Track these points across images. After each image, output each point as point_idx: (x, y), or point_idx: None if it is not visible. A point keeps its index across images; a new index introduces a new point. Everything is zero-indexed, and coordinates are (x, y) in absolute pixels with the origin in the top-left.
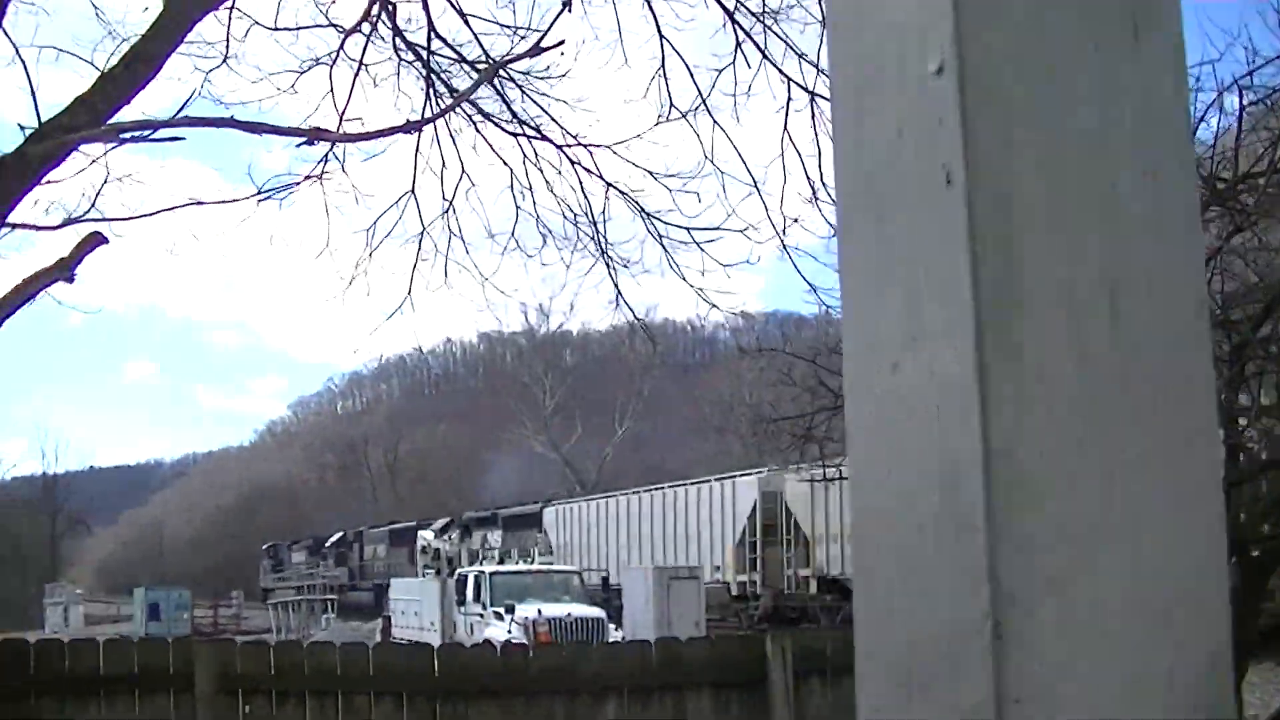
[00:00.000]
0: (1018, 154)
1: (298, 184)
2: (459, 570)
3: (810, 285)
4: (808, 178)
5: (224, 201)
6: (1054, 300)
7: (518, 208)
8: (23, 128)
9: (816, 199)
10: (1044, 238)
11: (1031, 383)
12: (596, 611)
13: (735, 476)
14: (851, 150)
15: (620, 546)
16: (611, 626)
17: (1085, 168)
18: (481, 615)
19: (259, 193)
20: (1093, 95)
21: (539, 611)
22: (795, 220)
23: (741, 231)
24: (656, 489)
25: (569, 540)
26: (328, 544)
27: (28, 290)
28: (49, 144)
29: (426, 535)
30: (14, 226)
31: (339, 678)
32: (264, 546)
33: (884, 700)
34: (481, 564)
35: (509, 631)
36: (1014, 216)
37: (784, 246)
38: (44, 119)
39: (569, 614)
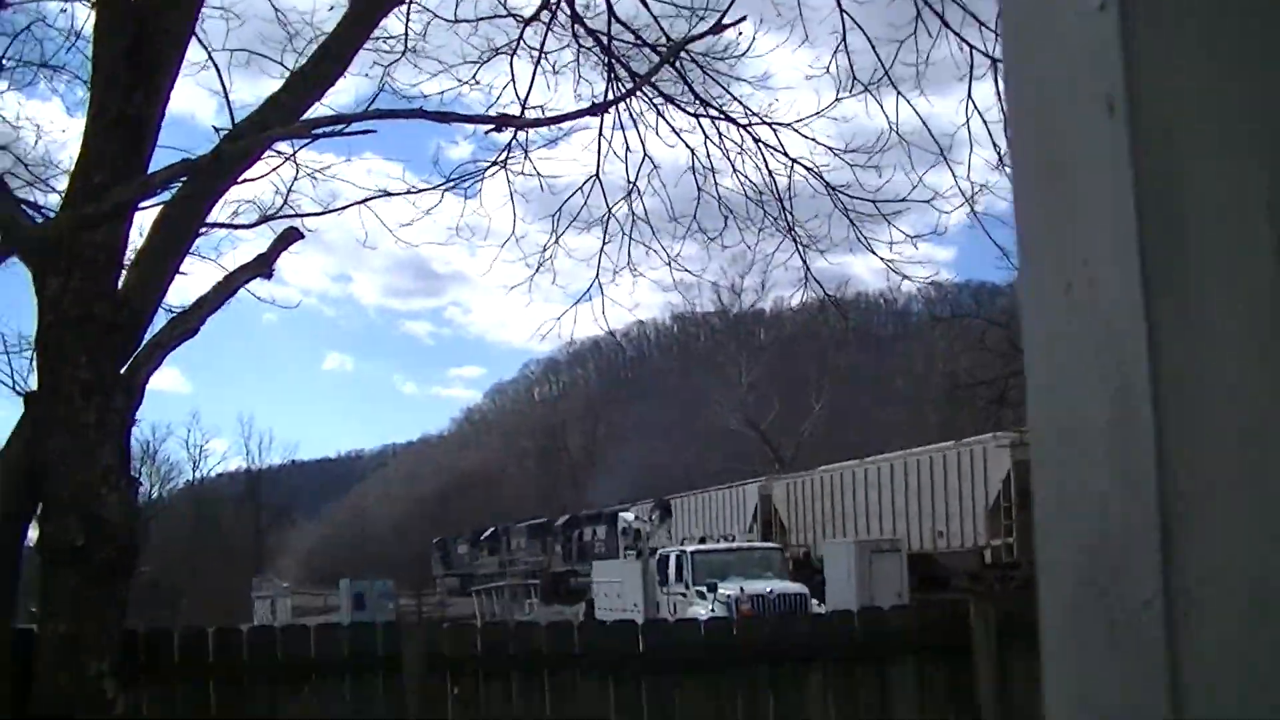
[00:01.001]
0: (1179, 82)
1: (484, 171)
2: (660, 550)
3: (1002, 251)
4: (994, 144)
5: (412, 191)
6: (1217, 224)
7: (700, 189)
8: (217, 130)
9: (1003, 165)
10: (1206, 164)
11: (1196, 300)
12: (798, 587)
13: (983, 442)
14: (1020, 86)
15: (825, 521)
16: (814, 602)
17: (1247, 93)
18: (684, 594)
19: (446, 181)
20: (1254, 19)
21: (741, 589)
22: (983, 187)
23: (928, 201)
24: (883, 459)
25: (788, 515)
26: (482, 537)
27: (229, 288)
28: (244, 143)
29: (627, 517)
30: (213, 226)
31: (545, 657)
32: (434, 541)
33: (1062, 605)
34: (683, 544)
35: (711, 610)
36: (1175, 144)
37: (973, 214)
38: (237, 120)
39: (771, 590)
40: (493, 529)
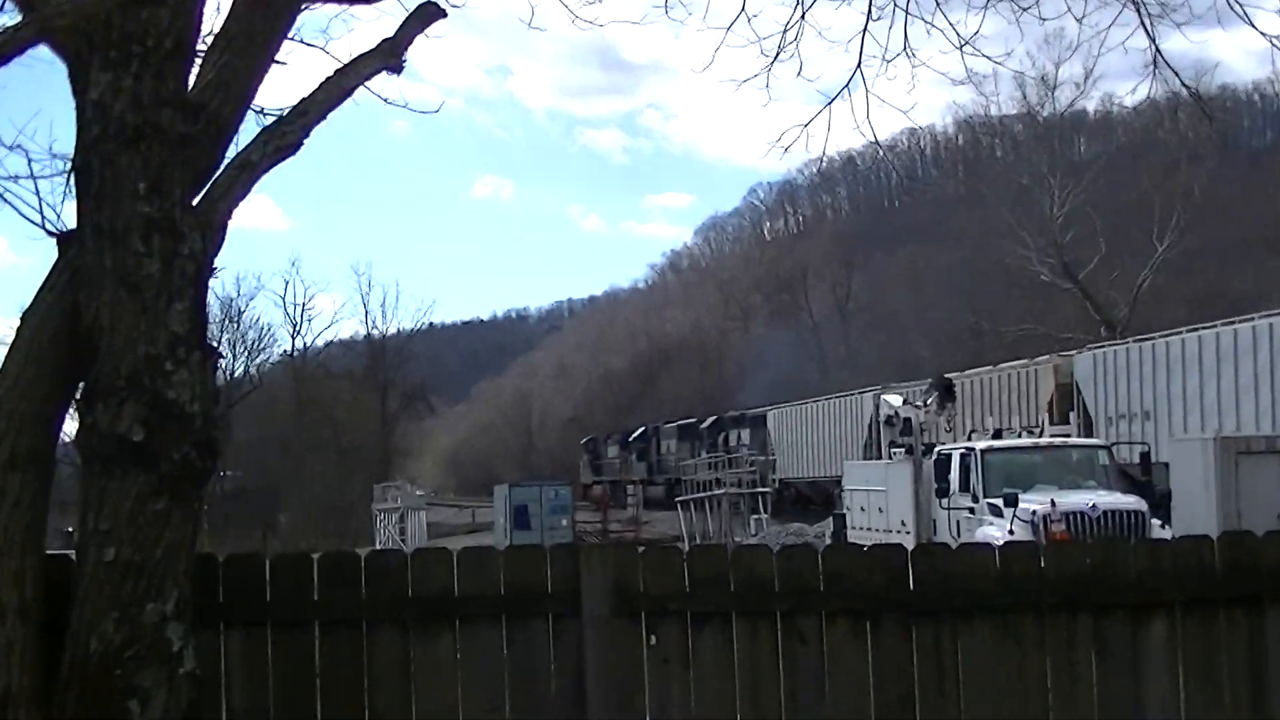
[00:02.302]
0: None
1: None
2: (939, 449)
3: None
4: None
5: None
6: None
7: None
8: None
9: None
10: None
11: None
12: (1133, 501)
13: None
14: None
15: (1161, 410)
16: (1155, 522)
17: None
18: (972, 510)
19: None
20: None
21: (1051, 503)
22: None
23: None
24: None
25: (1102, 397)
26: (631, 438)
27: (345, 84)
28: None
29: (892, 401)
30: (321, 0)
31: (776, 594)
32: (583, 441)
33: None
34: (970, 439)
35: (1010, 531)
36: None
37: None
38: None
39: (1093, 505)
40: (642, 429)
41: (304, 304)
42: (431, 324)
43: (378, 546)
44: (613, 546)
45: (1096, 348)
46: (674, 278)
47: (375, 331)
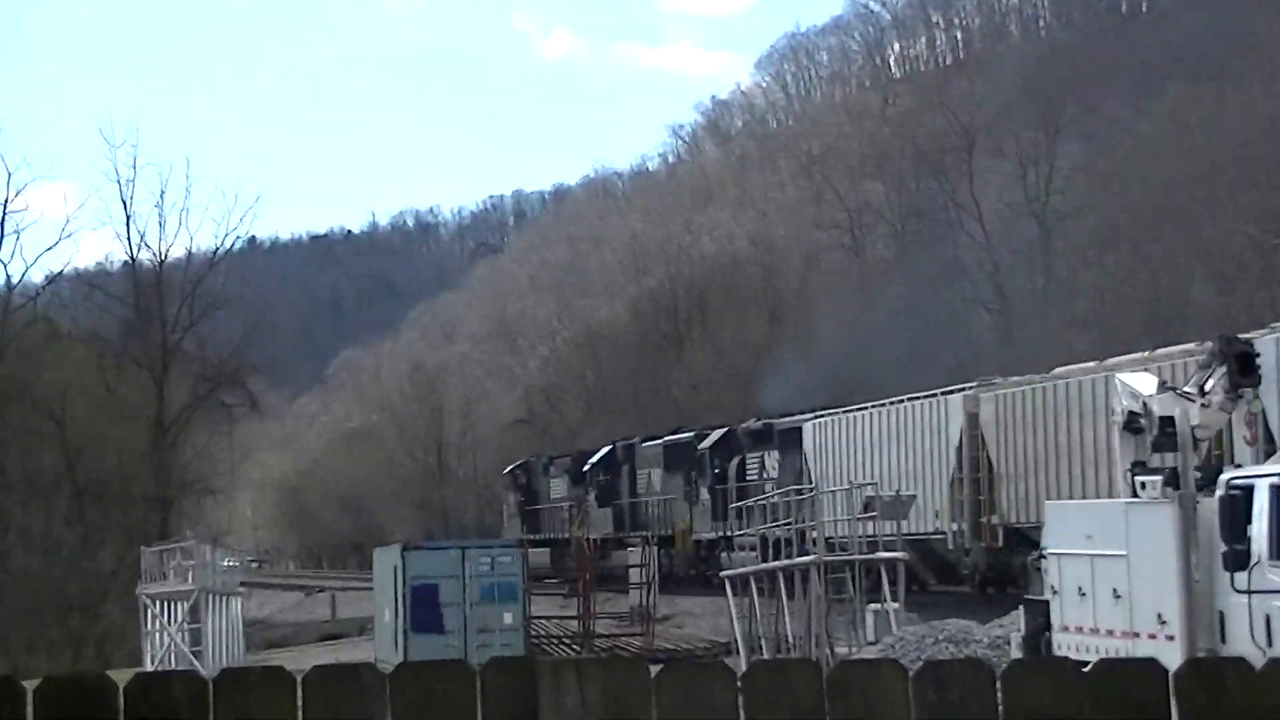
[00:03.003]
0: None
1: None
2: (1230, 476)
3: None
4: None
5: None
6: None
7: None
8: None
9: None
10: None
11: None
12: None
13: None
14: None
15: None
16: None
17: None
18: None
19: None
20: None
21: None
22: None
23: None
24: None
25: None
26: (589, 465)
27: None
28: None
29: (1138, 384)
30: None
31: None
32: (507, 470)
33: None
34: None
35: None
36: None
37: None
38: None
39: None
40: (608, 448)
41: (3, 203)
42: (256, 241)
43: (150, 665)
44: (600, 663)
45: None
46: (716, 151)
47: (146, 255)
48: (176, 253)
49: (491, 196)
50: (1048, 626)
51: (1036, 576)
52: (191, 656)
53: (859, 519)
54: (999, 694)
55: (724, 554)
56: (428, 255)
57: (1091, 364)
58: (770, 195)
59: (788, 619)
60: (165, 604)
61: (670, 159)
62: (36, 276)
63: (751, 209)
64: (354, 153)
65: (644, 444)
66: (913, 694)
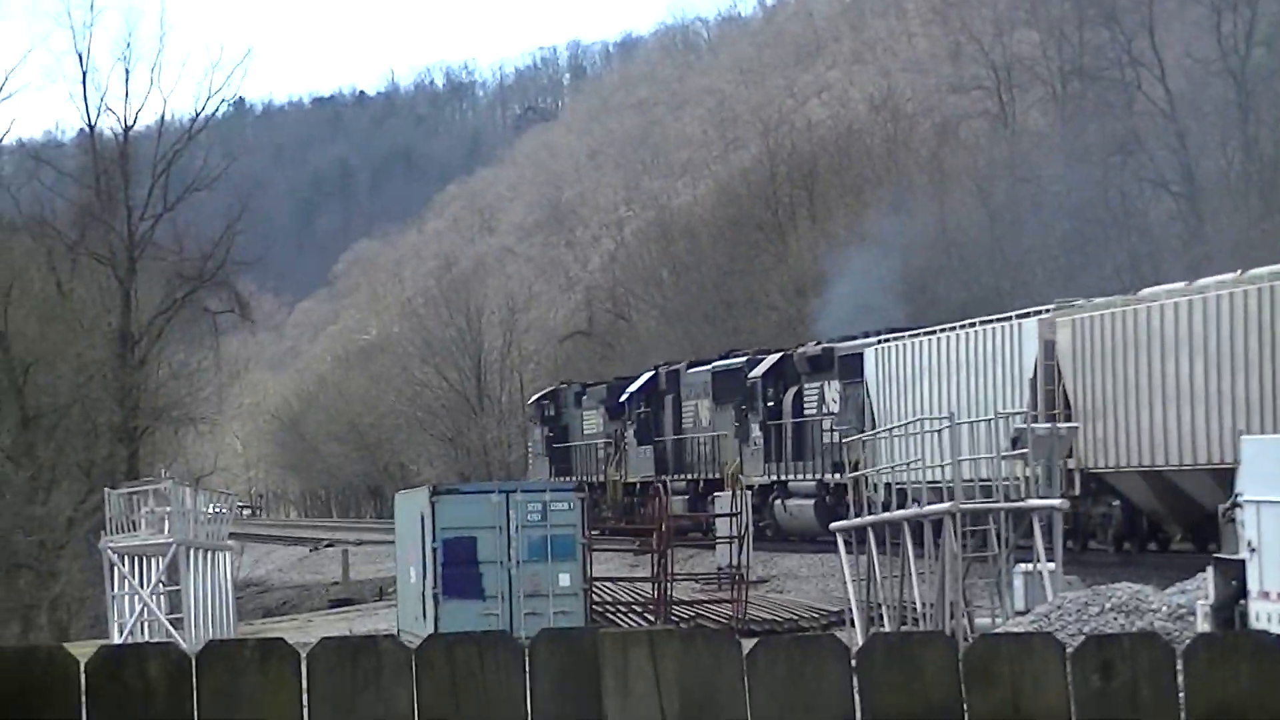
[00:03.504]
0: None
1: None
2: None
3: None
4: None
5: None
6: None
7: None
8: None
9: None
10: None
11: None
12: None
13: None
14: None
15: None
16: None
17: None
18: None
19: None
20: None
21: None
22: None
23: None
24: None
25: None
26: (626, 395)
27: None
28: None
29: None
30: None
31: None
32: (534, 398)
33: None
34: None
35: None
36: None
37: None
38: None
39: None
40: (649, 374)
41: None
42: (245, 105)
43: (118, 637)
44: (678, 636)
45: None
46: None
47: (109, 123)
48: (146, 119)
49: (541, 49)
50: (1243, 593)
51: (1230, 530)
52: (169, 626)
53: (1004, 458)
54: (1180, 677)
55: (778, 501)
56: (460, 123)
57: (1180, 285)
58: (895, 48)
59: (915, 582)
60: (136, 561)
61: (769, 1)
62: None
63: (872, 65)
64: None
65: (690, 370)
66: (1072, 676)
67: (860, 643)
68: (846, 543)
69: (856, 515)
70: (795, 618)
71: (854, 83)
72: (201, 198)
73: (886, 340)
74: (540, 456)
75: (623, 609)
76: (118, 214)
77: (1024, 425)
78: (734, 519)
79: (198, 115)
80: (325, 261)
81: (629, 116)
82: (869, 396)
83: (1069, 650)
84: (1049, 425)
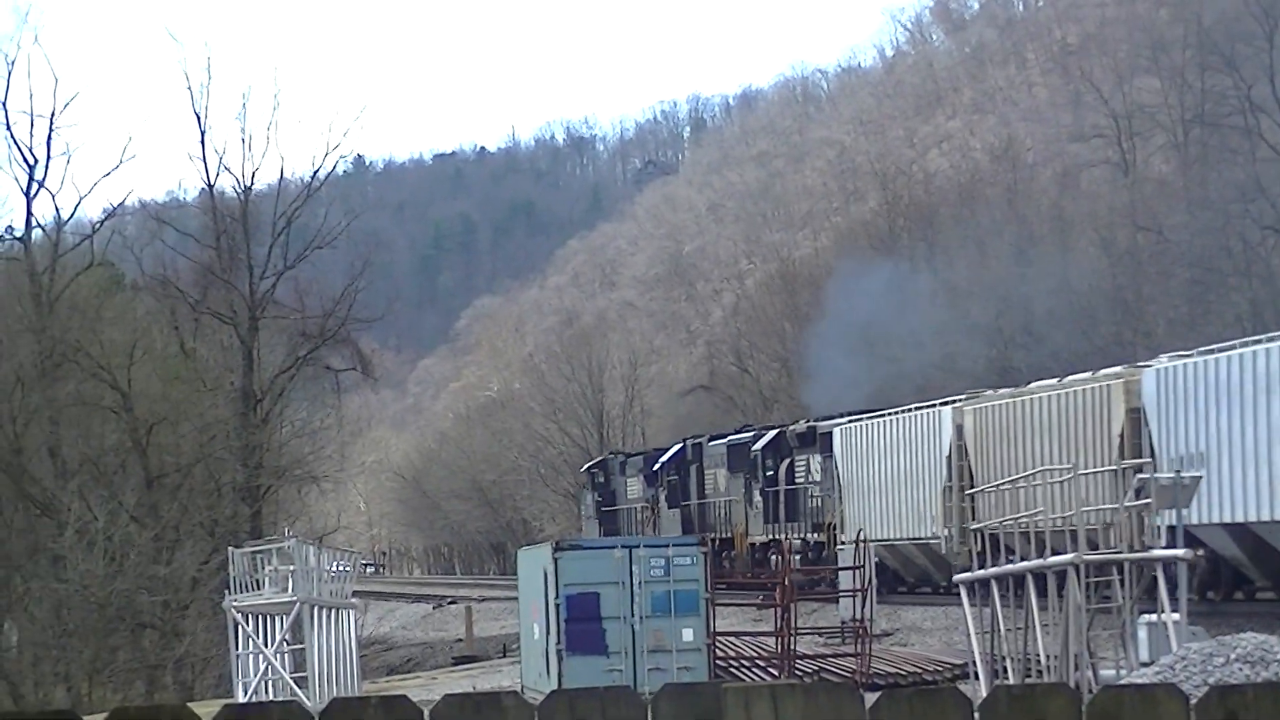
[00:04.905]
0: None
1: None
2: None
3: None
4: None
5: None
6: None
7: None
8: None
9: None
10: None
11: None
12: None
13: None
14: None
15: None
16: None
17: None
18: None
19: None
20: None
21: None
22: None
23: None
24: None
25: None
26: (659, 463)
27: None
28: None
29: None
30: None
31: None
32: (585, 467)
33: None
34: None
35: None
36: None
37: None
38: None
39: None
40: (679, 446)
41: (50, 118)
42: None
43: (242, 696)
44: (801, 689)
45: None
46: (947, 42)
47: (228, 182)
48: (266, 178)
49: (661, 103)
50: None
51: None
52: (293, 684)
53: (1129, 507)
54: None
55: (775, 557)
56: (581, 178)
57: (1053, 380)
58: (1015, 97)
59: (1039, 634)
60: (260, 620)
61: (889, 53)
62: (92, 211)
63: (992, 115)
64: (488, 53)
65: (711, 442)
66: None
67: (984, 694)
68: (970, 595)
69: (980, 568)
70: (919, 670)
71: (974, 132)
72: (323, 255)
73: (851, 421)
74: (590, 519)
75: (745, 663)
76: (239, 273)
77: (1147, 476)
78: (856, 572)
79: (315, 172)
80: (447, 318)
81: (749, 169)
82: (837, 467)
83: (1192, 701)
84: (1173, 475)
